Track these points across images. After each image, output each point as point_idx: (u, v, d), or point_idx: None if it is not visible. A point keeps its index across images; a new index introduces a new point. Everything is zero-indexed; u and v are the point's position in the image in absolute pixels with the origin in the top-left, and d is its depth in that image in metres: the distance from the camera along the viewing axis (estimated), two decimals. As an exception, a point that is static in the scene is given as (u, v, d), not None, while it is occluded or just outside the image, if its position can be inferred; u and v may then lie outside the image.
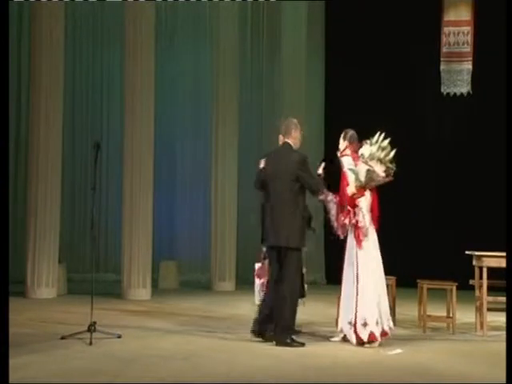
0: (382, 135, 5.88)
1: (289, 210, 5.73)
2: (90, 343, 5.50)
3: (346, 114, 10.73)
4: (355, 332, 5.73)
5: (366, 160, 5.81)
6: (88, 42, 11.98)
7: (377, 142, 5.86)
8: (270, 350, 5.54)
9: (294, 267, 5.75)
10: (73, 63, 11.57)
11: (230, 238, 10.56)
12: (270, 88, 12.04)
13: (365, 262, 5.80)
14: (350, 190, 5.87)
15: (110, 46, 11.82)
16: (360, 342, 5.70)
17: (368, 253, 5.82)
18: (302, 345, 5.64)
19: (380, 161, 5.80)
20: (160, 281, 10.52)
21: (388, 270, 6.81)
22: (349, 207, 5.84)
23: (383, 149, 5.83)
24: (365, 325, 5.71)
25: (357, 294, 5.75)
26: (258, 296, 6.49)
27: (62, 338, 5.68)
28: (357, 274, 5.78)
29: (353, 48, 11.51)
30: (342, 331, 5.89)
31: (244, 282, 11.10)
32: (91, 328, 5.65)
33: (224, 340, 5.92)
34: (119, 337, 5.84)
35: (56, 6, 9.14)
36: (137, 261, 9.08)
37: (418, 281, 7.01)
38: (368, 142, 5.90)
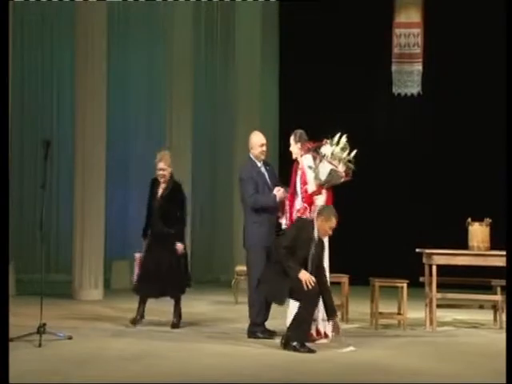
0: (344, 136, 5.92)
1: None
2: (40, 345, 5.39)
3: (300, 113, 10.82)
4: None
5: (330, 160, 5.84)
6: (37, 41, 11.77)
7: (338, 142, 5.90)
8: (225, 349, 5.53)
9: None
10: (21, 62, 11.32)
11: (182, 237, 10.49)
12: (225, 88, 12.04)
13: (325, 257, 5.90)
14: (311, 188, 5.92)
15: (61, 44, 11.61)
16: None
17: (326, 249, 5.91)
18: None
19: (340, 160, 5.87)
20: (112, 281, 10.39)
21: (341, 267, 6.89)
22: (305, 204, 5.90)
23: (344, 149, 5.90)
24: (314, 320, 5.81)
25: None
26: None
27: (11, 340, 5.53)
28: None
29: (307, 48, 11.60)
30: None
31: (197, 281, 11.05)
32: (41, 330, 5.53)
33: (178, 340, 5.88)
34: (70, 338, 5.74)
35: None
36: (88, 261, 8.96)
37: (370, 279, 7.11)
38: (328, 141, 5.92)
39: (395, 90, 11.21)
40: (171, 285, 6.56)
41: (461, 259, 6.74)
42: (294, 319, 5.49)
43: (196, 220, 11.17)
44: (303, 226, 5.66)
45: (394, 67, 11.19)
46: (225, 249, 11.56)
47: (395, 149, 11.45)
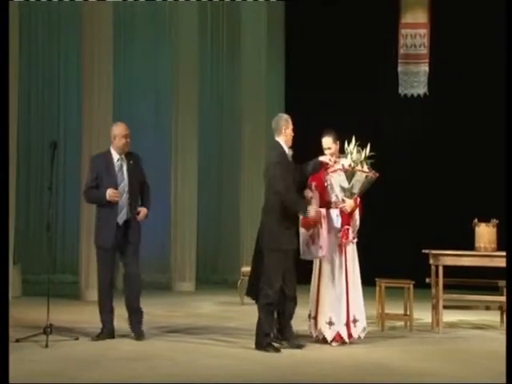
0: (352, 139, 5.88)
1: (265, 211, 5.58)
2: (46, 346, 5.40)
3: (306, 113, 10.78)
4: (348, 330, 5.80)
5: (357, 168, 5.73)
6: (43, 42, 11.79)
7: (351, 148, 5.86)
8: (230, 350, 5.53)
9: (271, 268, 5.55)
10: (28, 64, 11.35)
11: (189, 237, 10.51)
12: (230, 88, 12.03)
13: (354, 260, 6.11)
14: (349, 206, 5.92)
15: (67, 46, 11.64)
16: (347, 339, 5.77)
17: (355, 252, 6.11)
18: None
19: (362, 162, 5.80)
20: (118, 282, 10.38)
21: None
22: (346, 226, 6.02)
23: (358, 150, 5.85)
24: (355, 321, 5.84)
25: (347, 293, 5.92)
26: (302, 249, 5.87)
27: (17, 340, 5.56)
28: (354, 272, 6.06)
29: (312, 48, 11.58)
30: (320, 332, 5.80)
31: (204, 282, 11.07)
32: (47, 330, 5.55)
33: (183, 341, 5.89)
34: (76, 339, 5.75)
35: (11, 4, 8.93)
36: (94, 261, 8.94)
37: (376, 279, 7.10)
38: (344, 154, 5.86)
39: (401, 90, 11.18)
40: None
41: (467, 260, 6.72)
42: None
43: (202, 220, 11.17)
44: (278, 154, 5.47)
45: (400, 68, 11.16)
46: (231, 249, 11.56)
47: (401, 150, 11.41)
